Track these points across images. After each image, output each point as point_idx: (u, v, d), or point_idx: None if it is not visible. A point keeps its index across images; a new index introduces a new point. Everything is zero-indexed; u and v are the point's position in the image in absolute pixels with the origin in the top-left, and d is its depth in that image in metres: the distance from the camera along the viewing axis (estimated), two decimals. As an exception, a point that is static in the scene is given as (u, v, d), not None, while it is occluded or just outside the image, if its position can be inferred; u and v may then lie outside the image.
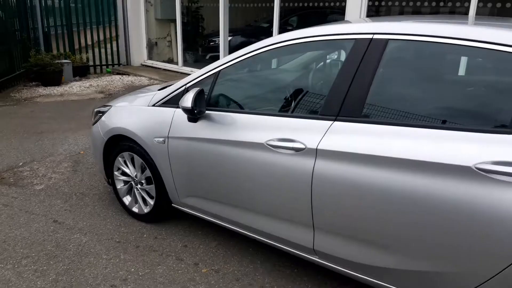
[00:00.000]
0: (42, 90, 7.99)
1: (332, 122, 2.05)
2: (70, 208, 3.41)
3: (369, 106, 1.98)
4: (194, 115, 2.42)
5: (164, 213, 3.09)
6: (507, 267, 1.60)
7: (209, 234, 3.02)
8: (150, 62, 10.16)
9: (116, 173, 3.24)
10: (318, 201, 2.07)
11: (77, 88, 8.24)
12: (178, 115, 2.69)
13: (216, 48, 8.99)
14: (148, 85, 8.40)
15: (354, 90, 2.01)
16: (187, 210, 2.87)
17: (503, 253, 1.60)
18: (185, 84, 2.72)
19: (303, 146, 2.08)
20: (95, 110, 3.42)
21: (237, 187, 2.41)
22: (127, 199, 3.25)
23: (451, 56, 2.01)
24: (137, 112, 2.95)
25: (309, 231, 2.19)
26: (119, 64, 10.19)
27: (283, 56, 2.55)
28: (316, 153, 2.03)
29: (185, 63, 9.67)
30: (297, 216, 2.20)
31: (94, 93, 7.90)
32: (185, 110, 2.42)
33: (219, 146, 2.43)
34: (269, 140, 2.21)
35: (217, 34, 9.01)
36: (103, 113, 3.26)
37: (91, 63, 9.86)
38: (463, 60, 2.03)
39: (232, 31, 8.64)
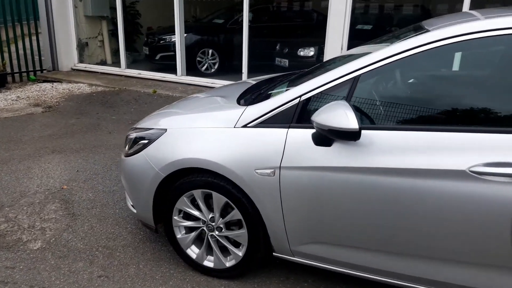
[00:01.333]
0: (-46, 107, 6.32)
1: None
2: (105, 273, 2.48)
3: None
4: (355, 138, 1.76)
5: (256, 265, 2.36)
6: None
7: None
8: (82, 66, 8.75)
9: (176, 217, 2.41)
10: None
11: (2, 102, 6.68)
12: (294, 137, 2.00)
13: (168, 47, 8.01)
14: (92, 92, 7.17)
15: None
16: (299, 259, 2.18)
17: None
18: (300, 96, 2.03)
19: (532, 171, 1.58)
20: (132, 136, 2.53)
21: (407, 229, 1.82)
22: (193, 251, 2.44)
23: None
24: (219, 137, 2.17)
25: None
26: (41, 70, 8.59)
27: (470, 52, 1.97)
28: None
29: (132, 65, 8.50)
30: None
31: (28, 106, 6.45)
32: (340, 132, 1.75)
33: (375, 176, 1.81)
34: (473, 166, 1.66)
35: (168, 31, 8.04)
36: (150, 139, 2.39)
37: (8, 70, 8.15)
38: None
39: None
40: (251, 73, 7.13)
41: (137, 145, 2.46)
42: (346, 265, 2.06)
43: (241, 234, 2.25)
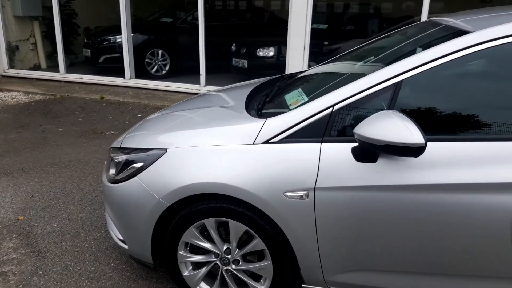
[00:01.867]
0: None
1: None
2: (96, 325, 2.05)
3: None
4: (418, 154, 1.53)
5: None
6: None
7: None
8: (14, 72, 7.81)
9: (182, 252, 2.05)
10: None
11: None
12: (329, 153, 1.74)
13: (112, 48, 7.39)
14: (30, 102, 6.39)
15: None
16: (334, 290, 1.93)
17: None
18: (333, 105, 1.77)
19: None
20: (120, 159, 2.12)
21: (474, 250, 1.64)
22: (203, 290, 2.10)
23: None
24: (236, 156, 1.85)
25: None
26: (-37, 78, 7.57)
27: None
28: None
29: (71, 69, 7.73)
30: None
31: (-45, 121, 5.58)
32: (400, 148, 1.52)
33: (435, 194, 1.61)
34: None
35: (111, 31, 7.41)
36: (145, 162, 2.01)
37: None
38: None
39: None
40: (209, 74, 6.78)
41: (129, 169, 2.06)
42: None
43: (265, 266, 1.95)
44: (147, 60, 7.51)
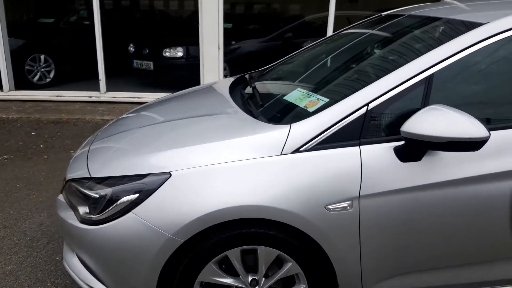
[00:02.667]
0: None
1: None
2: None
3: None
4: (478, 147, 1.45)
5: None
6: None
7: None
8: None
9: (198, 295, 1.68)
10: None
11: None
12: (370, 156, 1.58)
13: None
14: None
15: None
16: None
17: None
18: (367, 103, 1.60)
19: None
20: (103, 193, 1.64)
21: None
22: None
23: None
24: (263, 171, 1.57)
25: None
26: None
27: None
28: None
29: None
30: None
31: None
32: (464, 143, 1.43)
33: (486, 184, 1.58)
34: None
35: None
36: (140, 192, 1.59)
37: None
38: None
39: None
40: (109, 79, 6.08)
41: (118, 204, 1.61)
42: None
43: (298, 292, 1.71)
44: (27, 67, 6.42)
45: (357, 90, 1.66)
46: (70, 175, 1.86)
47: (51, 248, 2.59)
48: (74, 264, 1.86)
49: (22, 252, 2.56)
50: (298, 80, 2.32)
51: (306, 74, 2.39)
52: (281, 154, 1.60)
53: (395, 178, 1.57)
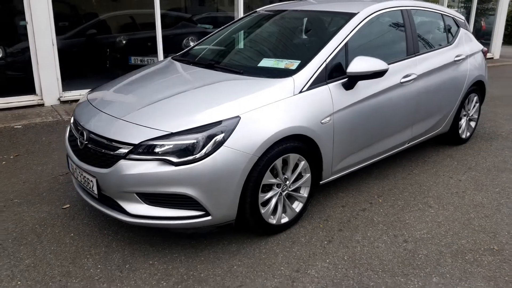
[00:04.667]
0: None
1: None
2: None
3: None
4: (383, 75, 2.88)
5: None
6: None
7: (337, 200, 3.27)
8: None
9: (261, 194, 2.54)
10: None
11: None
12: (333, 89, 2.83)
13: None
14: None
15: None
16: (334, 177, 3.05)
17: None
18: (325, 61, 2.82)
19: (415, 76, 3.39)
20: (193, 139, 2.30)
21: (386, 123, 3.23)
22: (272, 218, 2.68)
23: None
24: (291, 105, 2.59)
25: (409, 130, 3.56)
26: None
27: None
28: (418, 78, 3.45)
29: None
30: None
31: None
32: (377, 73, 2.83)
33: (374, 98, 3.06)
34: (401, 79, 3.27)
35: None
36: (224, 132, 2.32)
37: None
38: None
39: None
40: None
41: (211, 143, 2.29)
42: (363, 161, 3.23)
43: (307, 178, 2.80)
44: None
45: (308, 56, 2.85)
46: (143, 137, 2.32)
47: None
48: (143, 209, 2.37)
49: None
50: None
51: (246, 48, 3.41)
52: (293, 95, 2.64)
53: (344, 100, 2.87)
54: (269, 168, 2.54)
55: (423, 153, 4.19)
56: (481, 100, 4.59)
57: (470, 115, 4.46)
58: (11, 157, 3.96)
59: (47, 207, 3.04)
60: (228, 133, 2.34)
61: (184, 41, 7.03)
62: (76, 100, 5.68)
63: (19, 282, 2.27)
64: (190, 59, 3.53)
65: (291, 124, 2.55)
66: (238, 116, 2.41)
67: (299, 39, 3.48)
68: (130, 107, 2.63)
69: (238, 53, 3.61)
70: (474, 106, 4.48)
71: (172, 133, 2.32)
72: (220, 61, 3.39)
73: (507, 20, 12.28)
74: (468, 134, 4.50)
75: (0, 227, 2.78)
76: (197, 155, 2.28)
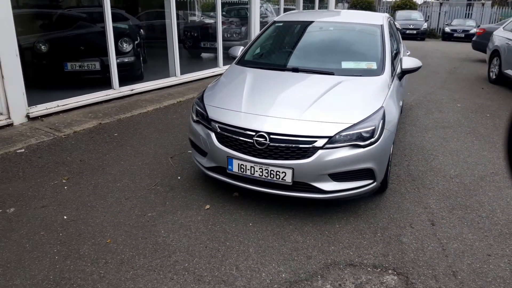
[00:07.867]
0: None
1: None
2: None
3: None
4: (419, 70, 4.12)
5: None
6: None
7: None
8: None
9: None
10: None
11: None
12: (395, 80, 3.97)
13: None
14: None
15: None
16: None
17: None
18: (392, 63, 3.94)
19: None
20: (372, 127, 3.10)
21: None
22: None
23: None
24: (393, 94, 3.64)
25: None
26: None
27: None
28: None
29: None
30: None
31: None
32: (416, 68, 4.07)
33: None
34: None
35: None
36: (381, 120, 3.18)
37: None
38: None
39: None
40: None
41: (379, 128, 3.09)
42: None
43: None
44: None
45: (377, 58, 3.92)
46: (335, 130, 2.97)
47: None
48: (332, 186, 3.07)
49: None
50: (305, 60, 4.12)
51: (311, 55, 4.22)
52: (389, 88, 3.65)
53: (397, 84, 4.02)
54: (390, 141, 3.52)
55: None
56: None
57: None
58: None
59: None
60: (383, 119, 3.22)
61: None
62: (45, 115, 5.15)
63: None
64: (258, 65, 4.13)
65: (399, 106, 3.60)
66: (382, 106, 3.30)
67: (352, 45, 4.40)
68: (294, 110, 3.19)
69: (308, 57, 4.30)
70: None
71: (354, 124, 3.06)
72: (302, 66, 4.03)
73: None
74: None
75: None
76: (376, 137, 3.09)
